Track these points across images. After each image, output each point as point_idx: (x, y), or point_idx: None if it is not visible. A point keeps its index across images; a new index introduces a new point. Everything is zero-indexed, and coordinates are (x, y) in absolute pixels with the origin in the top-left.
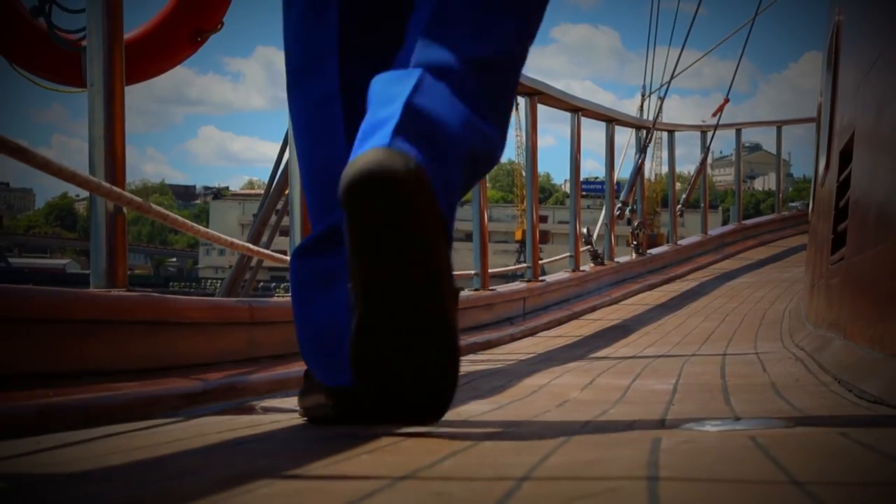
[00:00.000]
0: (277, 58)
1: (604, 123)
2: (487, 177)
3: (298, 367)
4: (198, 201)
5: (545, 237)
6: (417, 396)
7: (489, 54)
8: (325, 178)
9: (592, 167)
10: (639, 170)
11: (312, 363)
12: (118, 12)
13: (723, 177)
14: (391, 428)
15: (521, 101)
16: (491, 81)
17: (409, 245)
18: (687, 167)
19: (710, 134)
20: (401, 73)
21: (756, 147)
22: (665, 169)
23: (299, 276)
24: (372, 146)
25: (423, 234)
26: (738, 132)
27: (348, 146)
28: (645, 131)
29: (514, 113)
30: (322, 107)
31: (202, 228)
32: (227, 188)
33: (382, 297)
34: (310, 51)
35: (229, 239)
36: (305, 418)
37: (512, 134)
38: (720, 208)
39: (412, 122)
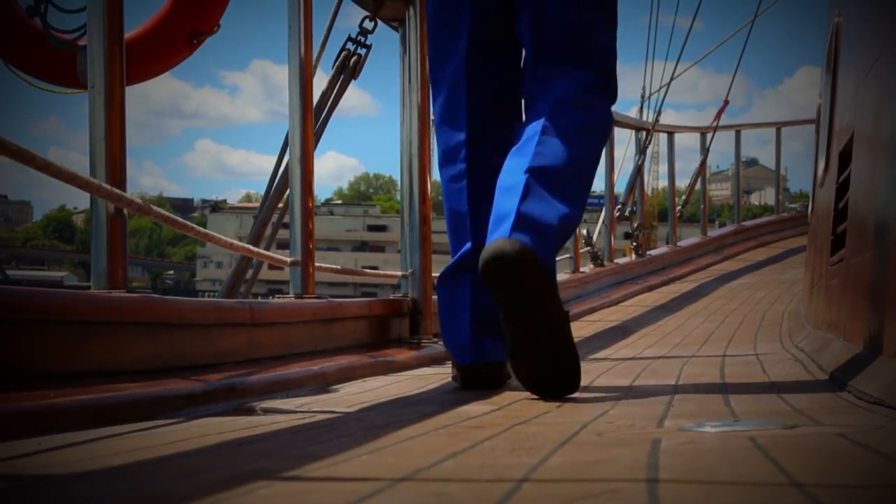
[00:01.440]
0: (272, 71)
1: None
2: None
3: (298, 368)
4: (195, 214)
5: None
6: (557, 383)
7: (580, 162)
8: (454, 224)
9: None
10: (638, 170)
11: (449, 349)
12: (119, 13)
13: (720, 191)
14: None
15: None
16: (579, 176)
17: (529, 294)
18: (685, 181)
19: (709, 135)
20: (514, 181)
21: (753, 162)
22: (662, 183)
23: (442, 295)
24: (498, 236)
25: (535, 287)
26: (738, 133)
27: (470, 205)
28: (645, 133)
29: None
30: (456, 180)
31: (201, 229)
32: (225, 201)
33: (518, 326)
34: (450, 144)
35: (228, 240)
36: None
37: None
38: (717, 222)
39: (522, 221)
